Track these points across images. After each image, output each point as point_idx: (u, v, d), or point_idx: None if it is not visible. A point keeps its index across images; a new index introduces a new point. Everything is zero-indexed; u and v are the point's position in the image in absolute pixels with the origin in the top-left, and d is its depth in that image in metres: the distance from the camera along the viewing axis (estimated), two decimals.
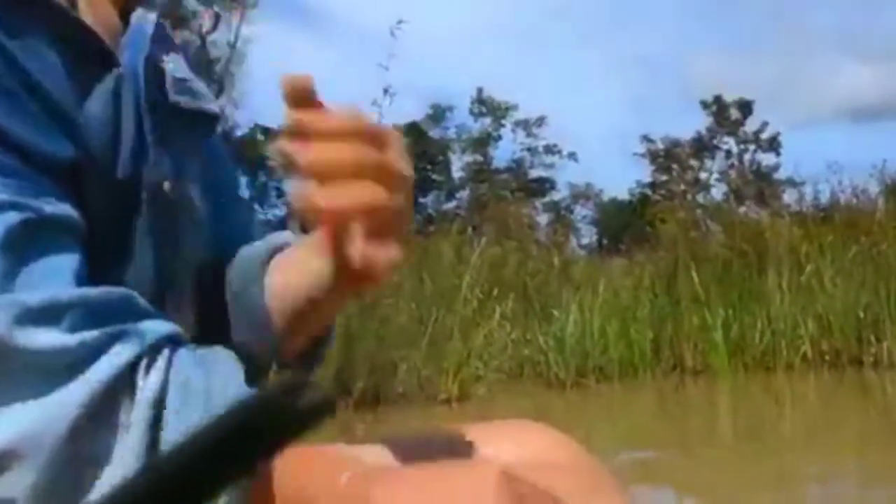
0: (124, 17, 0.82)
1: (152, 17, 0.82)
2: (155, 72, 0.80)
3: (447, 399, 6.11)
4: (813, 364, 7.36)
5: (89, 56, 0.73)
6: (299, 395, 0.38)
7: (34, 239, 0.63)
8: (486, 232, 9.72)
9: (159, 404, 0.62)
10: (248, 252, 0.89)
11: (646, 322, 7.67)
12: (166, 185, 0.78)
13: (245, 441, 0.37)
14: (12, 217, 0.62)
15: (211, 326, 0.85)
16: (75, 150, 0.69)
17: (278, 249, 0.88)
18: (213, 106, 0.89)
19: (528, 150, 43.35)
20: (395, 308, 6.38)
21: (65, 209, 0.66)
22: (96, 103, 0.72)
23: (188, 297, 0.83)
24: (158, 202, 0.77)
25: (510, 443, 0.77)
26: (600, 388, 7.07)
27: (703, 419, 5.91)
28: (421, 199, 42.06)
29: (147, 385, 0.62)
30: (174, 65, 0.84)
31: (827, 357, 7.40)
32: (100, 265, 0.69)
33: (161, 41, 0.86)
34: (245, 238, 0.92)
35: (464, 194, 40.79)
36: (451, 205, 39.77)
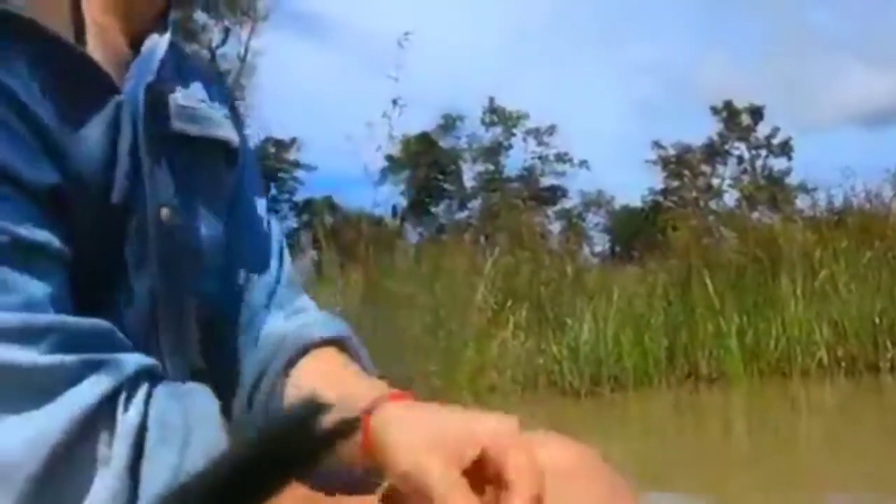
0: (138, 44, 0.82)
1: (164, 42, 0.82)
2: (160, 99, 0.80)
3: None
4: (829, 370, 7.32)
5: (88, 84, 0.72)
6: (323, 416, 0.39)
7: (14, 265, 0.63)
8: (499, 241, 9.71)
9: (139, 439, 0.62)
10: (271, 343, 0.87)
11: (660, 330, 7.64)
12: (164, 213, 0.77)
13: (272, 463, 0.38)
14: None
15: (213, 358, 0.85)
16: (62, 176, 0.69)
17: (309, 346, 0.87)
18: (225, 133, 0.88)
19: (540, 158, 43.33)
20: (408, 320, 6.38)
21: (43, 235, 0.66)
22: (93, 130, 0.72)
23: (190, 323, 0.82)
24: (155, 229, 0.76)
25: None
26: (615, 396, 7.05)
27: (719, 427, 5.89)
28: (432, 209, 42.07)
29: (127, 418, 0.62)
30: (183, 93, 0.84)
31: (843, 363, 7.36)
32: (92, 290, 0.70)
33: (176, 68, 0.86)
34: (259, 267, 0.91)
35: (475, 203, 40.76)
36: (462, 214, 39.75)
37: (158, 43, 0.81)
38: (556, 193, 42.89)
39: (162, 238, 0.76)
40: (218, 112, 0.88)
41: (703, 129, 43.44)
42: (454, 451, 0.64)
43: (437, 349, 6.35)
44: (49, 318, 0.63)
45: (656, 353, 7.47)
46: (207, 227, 0.84)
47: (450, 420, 0.70)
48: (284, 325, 0.89)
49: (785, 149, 42.35)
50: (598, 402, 6.89)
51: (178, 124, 0.81)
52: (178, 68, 0.87)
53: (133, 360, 0.65)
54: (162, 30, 0.83)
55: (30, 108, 0.67)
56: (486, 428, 0.66)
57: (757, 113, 43.12)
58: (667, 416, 6.56)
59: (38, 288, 0.64)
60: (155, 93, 0.78)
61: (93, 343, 0.64)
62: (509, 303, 7.58)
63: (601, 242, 39.92)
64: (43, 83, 0.68)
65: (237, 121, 0.93)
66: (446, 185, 42.40)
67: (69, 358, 0.62)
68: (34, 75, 0.68)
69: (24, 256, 0.64)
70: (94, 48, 0.75)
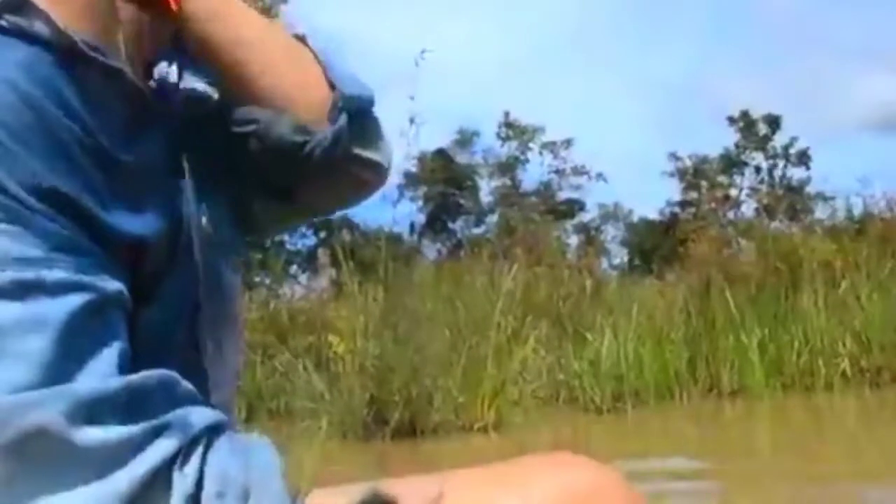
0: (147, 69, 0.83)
1: (174, 69, 0.83)
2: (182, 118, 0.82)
3: (484, 427, 6.09)
4: (853, 382, 7.27)
5: (144, 119, 0.74)
6: None
7: (92, 323, 0.64)
8: (517, 256, 9.71)
9: (196, 494, 0.63)
10: None
11: (680, 343, 7.61)
12: (204, 221, 0.80)
13: None
14: (74, 301, 0.63)
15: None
16: (143, 226, 0.71)
17: None
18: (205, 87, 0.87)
19: (556, 172, 43.28)
20: (429, 337, 6.39)
21: (118, 286, 0.67)
22: (156, 167, 0.74)
23: (235, 325, 0.84)
24: (199, 236, 0.78)
25: (551, 479, 0.77)
26: (637, 411, 7.01)
27: (742, 441, 5.84)
28: (450, 225, 42.07)
29: (184, 474, 0.63)
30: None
31: (867, 374, 7.30)
32: (144, 299, 0.71)
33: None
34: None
35: (493, 219, 40.73)
36: (480, 230, 39.73)
37: (168, 69, 0.82)
38: (573, 207, 42.81)
39: (203, 245, 0.78)
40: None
41: (720, 140, 43.29)
42: None
43: (458, 366, 6.34)
44: (117, 382, 0.63)
45: (677, 366, 7.44)
46: (228, 231, 0.87)
47: None
48: None
49: (803, 158, 42.14)
50: (620, 417, 6.87)
51: (197, 141, 0.84)
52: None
53: (199, 418, 0.66)
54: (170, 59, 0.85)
55: (116, 155, 0.69)
56: None
57: (774, 122, 42.94)
58: (690, 430, 6.53)
59: (114, 345, 0.65)
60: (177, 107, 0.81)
61: (160, 401, 0.65)
62: (529, 318, 7.57)
63: (619, 255, 39.79)
64: (125, 127, 0.70)
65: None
66: (463, 201, 42.40)
67: (136, 428, 0.62)
68: (118, 120, 0.70)
69: (106, 315, 0.65)
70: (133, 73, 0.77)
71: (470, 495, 0.75)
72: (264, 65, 0.84)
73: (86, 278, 0.64)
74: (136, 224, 0.70)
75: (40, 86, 0.65)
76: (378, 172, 0.94)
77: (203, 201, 0.82)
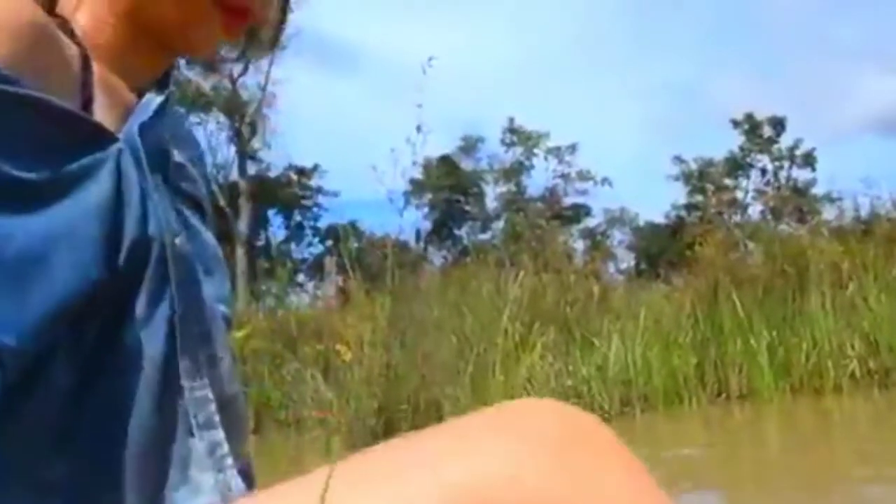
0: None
1: (160, 98, 0.83)
2: (160, 146, 0.82)
3: None
4: (862, 384, 7.25)
5: (86, 142, 0.72)
6: None
7: None
8: (523, 262, 9.71)
9: None
10: None
11: (688, 348, 7.60)
12: (178, 241, 0.77)
13: None
14: None
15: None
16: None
17: None
18: (203, 202, 0.90)
19: (562, 177, 43.29)
20: (436, 344, 6.39)
21: None
22: (91, 189, 0.71)
23: (215, 347, 0.81)
24: (173, 256, 0.76)
25: (515, 429, 0.65)
26: (645, 417, 7.00)
27: (752, 444, 5.83)
28: (456, 231, 42.10)
29: None
30: (178, 151, 0.86)
31: (876, 376, 7.29)
32: (105, 335, 0.70)
33: (174, 128, 0.89)
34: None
35: (498, 225, 40.74)
36: (486, 236, 39.74)
37: (154, 98, 0.83)
38: (579, 212, 42.80)
39: (178, 264, 0.76)
40: (199, 179, 0.91)
41: (725, 143, 43.27)
42: None
43: (466, 373, 6.35)
44: None
45: (686, 371, 7.42)
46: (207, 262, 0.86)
47: None
48: None
49: (808, 160, 42.10)
50: (629, 422, 6.85)
51: (176, 178, 0.84)
52: (175, 129, 0.90)
53: None
54: (162, 88, 0.85)
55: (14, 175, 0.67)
56: None
57: (779, 124, 42.92)
58: (700, 435, 6.51)
59: None
60: (153, 137, 0.79)
61: None
62: (536, 324, 7.57)
63: (626, 260, 39.75)
64: (36, 149, 0.69)
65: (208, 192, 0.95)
66: (469, 208, 42.44)
67: None
68: (24, 143, 0.68)
69: None
70: (102, 105, 0.77)
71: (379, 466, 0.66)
72: None
73: None
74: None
75: None
76: None
77: (186, 226, 0.82)
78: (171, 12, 0.82)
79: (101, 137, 0.74)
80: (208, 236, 0.89)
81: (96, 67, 0.79)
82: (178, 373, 0.74)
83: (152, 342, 0.73)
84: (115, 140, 0.75)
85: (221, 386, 0.78)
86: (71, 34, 0.79)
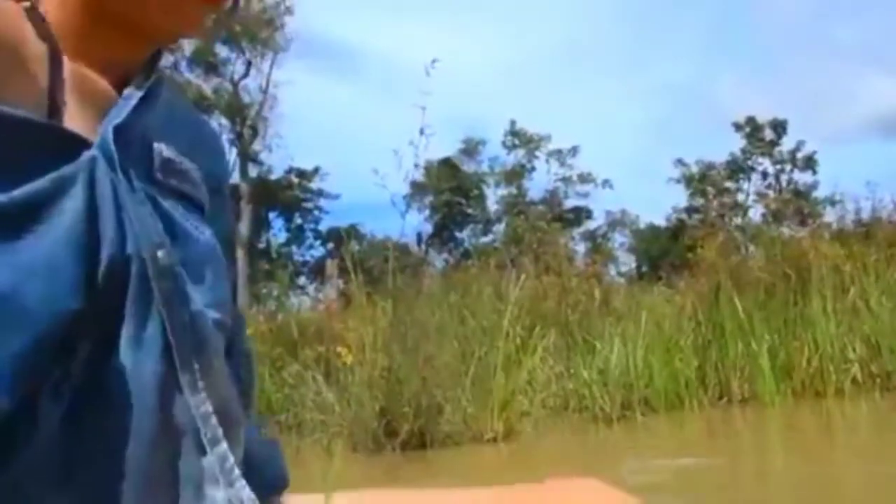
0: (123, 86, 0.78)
1: (141, 90, 0.78)
2: (142, 144, 0.77)
3: (494, 437, 6.09)
4: (863, 387, 7.24)
5: (54, 153, 0.68)
6: None
7: None
8: (525, 265, 9.70)
9: None
10: None
11: (690, 351, 7.59)
12: (160, 254, 0.73)
13: None
14: None
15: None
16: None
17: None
18: (198, 194, 0.85)
19: (563, 180, 43.31)
20: (437, 347, 6.39)
21: None
22: (68, 203, 0.67)
23: (210, 353, 0.78)
24: (155, 270, 0.72)
25: (565, 501, 0.76)
26: (647, 420, 7.00)
27: (753, 448, 5.82)
28: (457, 234, 42.09)
29: None
30: (168, 144, 0.81)
31: (877, 379, 7.28)
32: (98, 353, 0.67)
33: (167, 119, 0.83)
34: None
35: (500, 227, 40.74)
36: (487, 238, 39.75)
37: (133, 94, 0.77)
38: (580, 214, 42.82)
39: (163, 279, 0.72)
40: (195, 171, 0.85)
41: (726, 146, 43.33)
42: None
43: (467, 376, 6.34)
44: None
45: (687, 374, 7.42)
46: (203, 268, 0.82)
47: None
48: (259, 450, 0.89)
49: (810, 162, 42.10)
50: (630, 426, 6.85)
51: (159, 174, 0.79)
52: (169, 119, 0.84)
53: None
54: (146, 74, 0.80)
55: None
56: None
57: (780, 127, 42.94)
58: (702, 439, 6.50)
59: None
60: (132, 136, 0.75)
61: None
62: (537, 328, 7.57)
63: (627, 262, 39.75)
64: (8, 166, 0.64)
65: (219, 183, 0.90)
66: (470, 210, 42.44)
67: None
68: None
69: None
70: (73, 101, 0.72)
71: None
72: None
73: None
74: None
75: None
76: None
77: (173, 229, 0.77)
78: None
79: (70, 146, 0.69)
80: (205, 236, 0.83)
81: (67, 63, 0.73)
82: (175, 391, 0.72)
83: (145, 364, 0.70)
84: (88, 145, 0.70)
85: (218, 392, 0.77)
86: (41, 21, 0.73)
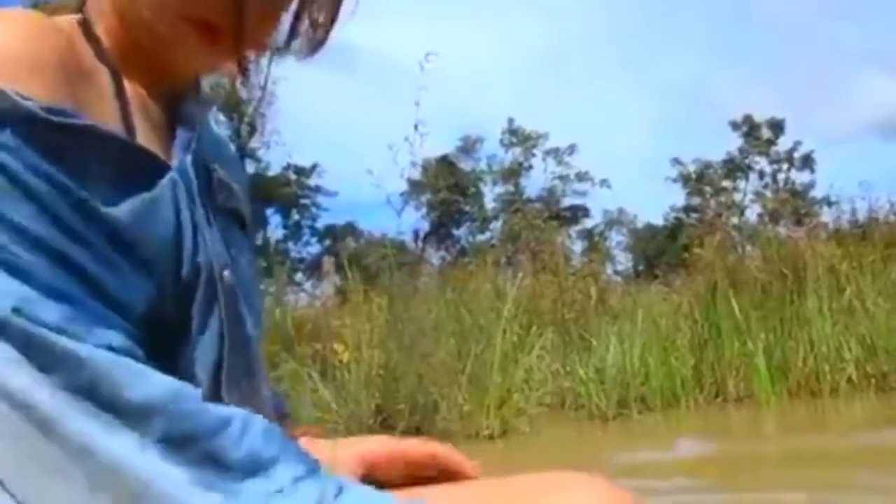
0: (172, 106, 0.83)
1: (202, 114, 0.84)
2: (206, 171, 0.83)
3: (490, 435, 6.09)
4: (859, 387, 7.25)
5: (145, 172, 0.74)
6: None
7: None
8: (522, 263, 9.71)
9: None
10: None
11: (686, 350, 7.60)
12: (226, 274, 0.79)
13: None
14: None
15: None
16: (143, 286, 0.70)
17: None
18: (243, 208, 0.91)
19: (560, 178, 43.34)
20: (434, 345, 6.39)
21: (110, 338, 0.65)
22: (161, 215, 0.73)
23: (259, 374, 0.84)
24: (223, 289, 0.78)
25: (558, 496, 0.77)
26: (643, 418, 7.01)
27: (749, 447, 5.83)
28: (454, 232, 42.10)
29: None
30: (220, 166, 0.87)
31: (873, 380, 7.29)
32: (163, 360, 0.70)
33: (214, 141, 0.89)
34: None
35: (497, 225, 40.77)
36: (484, 236, 39.77)
37: (196, 113, 0.82)
38: (577, 213, 42.87)
39: (227, 297, 0.78)
40: (238, 187, 0.91)
41: (724, 145, 43.35)
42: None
43: (463, 374, 6.35)
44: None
45: (683, 373, 7.43)
46: (250, 285, 0.87)
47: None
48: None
49: (807, 162, 42.16)
50: (626, 424, 6.86)
51: (220, 197, 0.85)
52: (215, 141, 0.90)
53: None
54: (194, 92, 0.85)
55: (103, 212, 0.68)
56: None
57: (777, 126, 42.99)
58: (698, 437, 6.51)
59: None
60: (200, 164, 0.80)
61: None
62: (534, 326, 7.58)
63: (624, 261, 39.79)
64: (111, 182, 0.69)
65: (246, 193, 0.95)
66: (467, 208, 42.47)
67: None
68: (101, 176, 0.69)
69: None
70: (139, 124, 0.77)
71: None
72: None
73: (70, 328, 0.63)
74: (135, 283, 0.70)
75: (6, 153, 0.64)
76: None
77: (229, 251, 0.82)
78: (144, 35, 0.78)
79: (156, 167, 0.75)
80: (248, 255, 0.89)
81: (128, 85, 0.78)
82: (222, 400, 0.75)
83: (200, 374, 0.75)
84: (168, 168, 0.76)
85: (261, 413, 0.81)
86: (96, 43, 0.77)
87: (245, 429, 0.64)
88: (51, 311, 0.61)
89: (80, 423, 0.59)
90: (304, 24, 0.86)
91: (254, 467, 0.62)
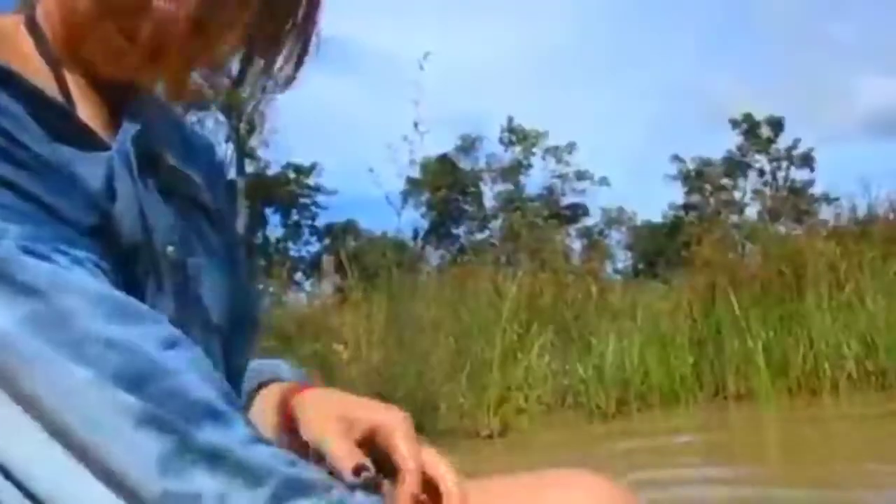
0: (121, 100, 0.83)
1: (154, 107, 0.85)
2: (152, 152, 0.82)
3: (490, 433, 6.10)
4: (859, 384, 7.25)
5: (80, 142, 0.74)
6: None
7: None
8: (521, 261, 9.71)
9: None
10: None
11: (686, 348, 7.60)
12: (170, 250, 0.79)
13: None
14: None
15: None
16: (94, 217, 0.71)
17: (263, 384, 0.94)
18: (206, 199, 0.90)
19: (560, 176, 43.32)
20: (433, 343, 6.39)
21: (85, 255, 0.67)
22: (92, 182, 0.73)
23: (219, 360, 0.83)
24: (167, 265, 0.78)
25: (562, 497, 0.77)
26: (643, 416, 7.01)
27: (749, 445, 5.84)
28: (454, 230, 42.10)
29: None
30: (175, 157, 0.86)
31: (873, 377, 7.29)
32: None
33: (181, 140, 0.90)
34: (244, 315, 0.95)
35: (496, 224, 40.76)
36: (483, 235, 39.76)
37: (147, 110, 0.83)
38: (577, 211, 42.84)
39: (173, 274, 0.78)
40: (197, 175, 0.90)
41: (723, 143, 43.33)
42: (349, 426, 0.78)
43: (463, 372, 6.35)
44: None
45: (683, 371, 7.43)
46: (209, 269, 0.86)
47: (350, 404, 0.83)
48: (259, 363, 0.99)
49: (806, 160, 42.14)
50: (626, 422, 6.86)
51: (168, 181, 0.83)
52: (183, 142, 0.90)
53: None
54: (148, 92, 0.86)
55: (43, 157, 0.69)
56: (379, 415, 0.80)
57: (777, 124, 42.96)
58: (698, 435, 6.51)
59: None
60: (144, 145, 0.80)
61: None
62: (534, 324, 7.58)
63: (623, 259, 39.80)
64: (45, 138, 0.71)
65: (232, 199, 0.95)
66: (466, 206, 42.45)
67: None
68: (35, 131, 0.70)
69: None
70: (81, 107, 0.78)
71: None
72: None
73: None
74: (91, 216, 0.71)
75: None
76: None
77: (188, 237, 0.83)
78: (91, 48, 0.80)
79: (92, 141, 0.75)
80: (217, 245, 0.89)
81: (69, 76, 0.79)
82: None
83: None
84: (107, 148, 0.76)
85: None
86: (40, 38, 0.79)
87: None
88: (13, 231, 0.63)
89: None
90: (272, 61, 0.87)
91: None
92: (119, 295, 0.65)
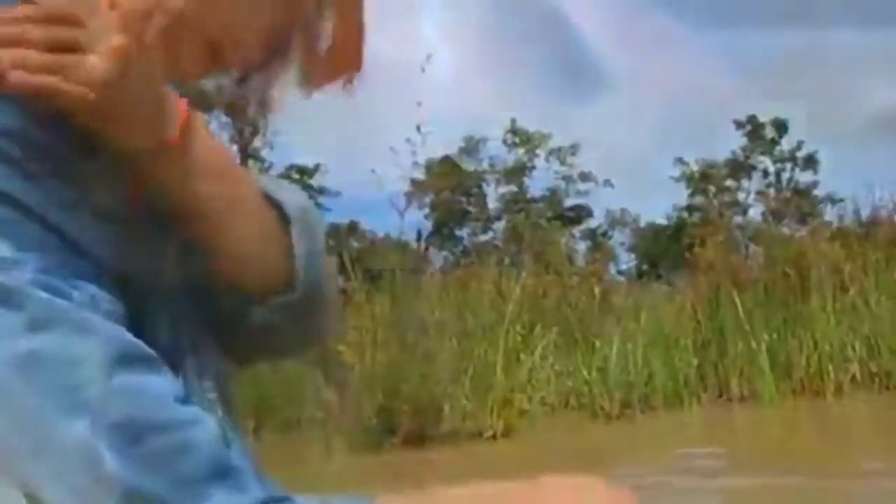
0: None
1: None
2: None
3: (493, 435, 6.09)
4: (863, 386, 7.24)
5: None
6: None
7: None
8: (525, 263, 9.71)
9: None
10: None
11: (689, 350, 7.59)
12: (167, 274, 0.78)
13: None
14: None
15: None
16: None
17: None
18: None
19: (563, 178, 43.25)
20: (437, 345, 6.39)
21: (90, 290, 0.66)
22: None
23: (210, 342, 0.82)
24: (177, 255, 0.78)
25: (559, 498, 0.77)
26: (646, 418, 7.00)
27: (752, 446, 5.83)
28: (457, 232, 42.07)
29: None
30: None
31: (877, 378, 7.27)
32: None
33: None
34: None
35: (500, 225, 40.72)
36: (487, 237, 39.71)
37: None
38: (580, 213, 42.75)
39: (182, 264, 0.78)
40: None
41: (727, 144, 43.19)
42: None
43: (467, 374, 6.35)
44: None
45: (686, 373, 7.42)
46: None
47: None
48: None
49: (811, 162, 42.04)
50: (629, 423, 6.85)
51: None
52: None
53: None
54: None
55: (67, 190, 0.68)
56: None
57: (781, 126, 42.86)
58: (701, 437, 6.51)
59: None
60: None
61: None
62: (537, 326, 7.57)
63: (627, 261, 39.73)
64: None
65: None
66: (470, 208, 42.41)
67: None
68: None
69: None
70: None
71: None
72: (227, 242, 0.80)
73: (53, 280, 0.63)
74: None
75: None
76: (317, 343, 0.94)
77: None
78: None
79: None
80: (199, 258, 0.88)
81: None
82: (183, 367, 0.74)
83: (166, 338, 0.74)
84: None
85: (220, 368, 0.80)
86: None
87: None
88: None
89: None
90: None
91: None
92: (130, 339, 0.64)
